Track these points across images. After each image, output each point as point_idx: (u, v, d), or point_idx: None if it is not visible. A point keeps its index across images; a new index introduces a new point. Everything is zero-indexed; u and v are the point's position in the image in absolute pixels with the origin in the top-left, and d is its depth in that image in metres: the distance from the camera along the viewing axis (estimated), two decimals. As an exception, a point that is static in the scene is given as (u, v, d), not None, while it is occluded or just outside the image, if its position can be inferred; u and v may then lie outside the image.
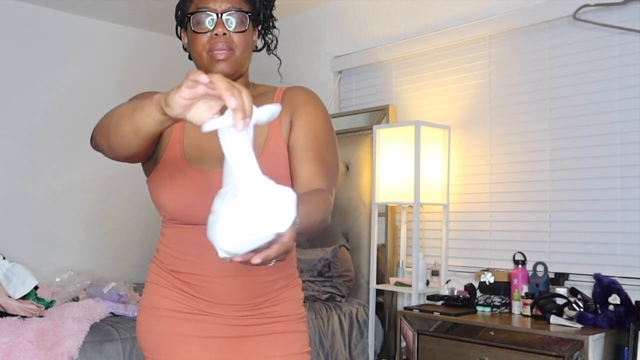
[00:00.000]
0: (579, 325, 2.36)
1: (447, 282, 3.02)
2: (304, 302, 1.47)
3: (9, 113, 3.69)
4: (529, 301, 2.61)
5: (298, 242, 0.95)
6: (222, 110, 0.94)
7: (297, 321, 1.40)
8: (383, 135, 3.17)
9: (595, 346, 2.21)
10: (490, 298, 2.74)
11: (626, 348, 2.27)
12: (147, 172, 1.40)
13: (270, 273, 1.35)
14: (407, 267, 3.24)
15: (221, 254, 0.89)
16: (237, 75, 1.37)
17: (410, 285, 3.04)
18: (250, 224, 0.86)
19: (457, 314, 2.63)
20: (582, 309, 2.42)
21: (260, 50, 1.49)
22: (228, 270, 1.30)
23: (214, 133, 0.93)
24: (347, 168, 3.51)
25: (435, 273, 3.14)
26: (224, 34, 1.33)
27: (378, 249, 3.24)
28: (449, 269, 3.13)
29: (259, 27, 1.44)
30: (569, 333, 2.27)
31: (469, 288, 2.88)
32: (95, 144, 1.27)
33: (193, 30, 1.35)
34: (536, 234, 2.85)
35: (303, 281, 1.87)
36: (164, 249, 1.39)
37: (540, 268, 2.72)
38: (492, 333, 2.45)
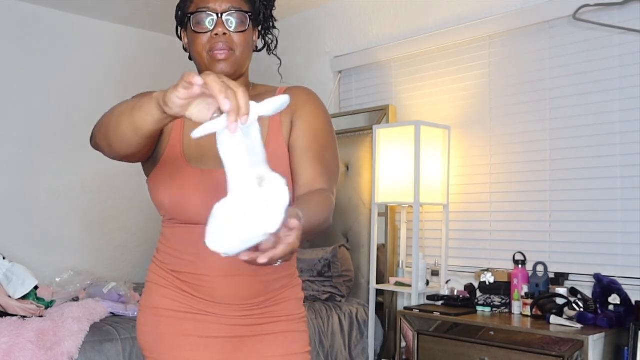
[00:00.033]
0: (579, 325, 2.36)
1: (447, 282, 3.02)
2: (304, 302, 1.47)
3: (9, 113, 3.69)
4: (529, 301, 2.61)
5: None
6: None
7: (297, 321, 1.40)
8: (383, 135, 3.17)
9: (595, 346, 2.21)
10: (490, 298, 2.74)
11: (626, 348, 2.27)
12: (147, 172, 1.40)
13: (270, 273, 1.35)
14: (407, 267, 3.24)
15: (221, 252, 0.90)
16: (237, 76, 1.37)
17: (410, 285, 3.04)
18: (239, 224, 0.86)
19: (457, 314, 2.63)
20: (582, 309, 2.42)
21: (260, 50, 1.50)
22: (228, 269, 1.31)
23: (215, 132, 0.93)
24: (347, 168, 3.51)
25: (435, 273, 3.14)
26: (224, 33, 1.33)
27: (378, 249, 3.24)
28: (449, 269, 3.13)
29: (259, 28, 1.44)
30: (569, 333, 2.27)
31: (469, 288, 2.88)
32: (95, 143, 1.27)
33: (193, 30, 1.35)
34: (536, 234, 2.85)
35: (303, 281, 1.87)
36: (164, 248, 1.39)
37: (540, 268, 2.72)
38: (492, 333, 2.45)
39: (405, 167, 3.03)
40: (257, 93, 1.42)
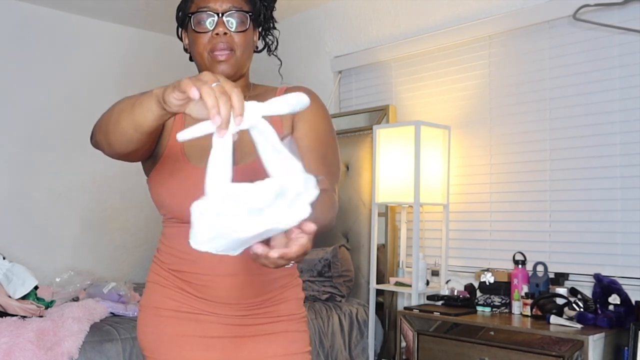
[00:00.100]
0: (579, 325, 2.36)
1: (447, 282, 3.02)
2: (304, 302, 1.47)
3: (8, 113, 3.69)
4: (529, 301, 2.61)
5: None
6: None
7: (297, 321, 1.40)
8: (383, 135, 3.17)
9: (595, 346, 2.22)
10: (490, 298, 2.74)
11: (626, 348, 2.27)
12: (147, 171, 1.40)
13: (270, 272, 1.35)
14: (407, 267, 3.24)
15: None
16: (237, 76, 1.37)
17: (410, 285, 3.04)
18: (205, 228, 0.86)
19: (457, 314, 2.63)
20: (582, 309, 2.42)
21: (260, 51, 1.50)
22: (229, 269, 1.31)
23: None
24: (347, 168, 3.51)
25: (435, 273, 3.14)
26: (225, 33, 1.33)
27: (378, 249, 3.24)
28: (449, 269, 3.13)
29: (260, 28, 1.44)
30: (569, 333, 2.27)
31: (469, 288, 2.88)
32: (95, 141, 1.26)
33: (194, 30, 1.35)
34: (536, 234, 2.85)
35: (303, 281, 1.87)
36: (164, 248, 1.39)
37: (540, 268, 2.72)
38: (492, 333, 2.45)
39: (405, 167, 3.03)
40: (257, 93, 1.42)
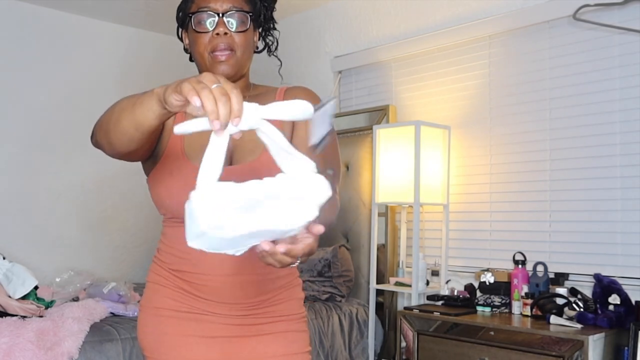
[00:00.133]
0: (579, 325, 2.36)
1: (447, 282, 3.02)
2: (304, 302, 1.47)
3: (8, 113, 3.69)
4: (529, 301, 2.61)
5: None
6: None
7: (297, 321, 1.40)
8: (383, 135, 3.17)
9: (595, 346, 2.22)
10: (490, 298, 2.74)
11: (626, 348, 2.27)
12: (147, 171, 1.40)
13: (270, 272, 1.35)
14: (407, 267, 3.24)
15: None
16: (238, 77, 1.37)
17: (410, 285, 3.04)
18: (191, 225, 0.86)
19: (457, 314, 2.63)
20: (582, 309, 2.42)
21: (261, 51, 1.50)
22: (229, 268, 1.31)
23: None
24: (347, 168, 3.51)
25: (435, 273, 3.14)
26: (225, 33, 1.33)
27: (378, 249, 3.24)
28: (449, 269, 3.13)
29: (260, 29, 1.44)
30: (569, 333, 2.27)
31: (469, 288, 2.88)
32: (95, 141, 1.26)
33: (194, 30, 1.35)
34: (536, 234, 2.85)
35: (303, 281, 1.87)
36: (165, 248, 1.39)
37: (540, 268, 2.72)
38: (492, 333, 2.45)
39: (405, 167, 3.03)
40: (257, 93, 1.42)
